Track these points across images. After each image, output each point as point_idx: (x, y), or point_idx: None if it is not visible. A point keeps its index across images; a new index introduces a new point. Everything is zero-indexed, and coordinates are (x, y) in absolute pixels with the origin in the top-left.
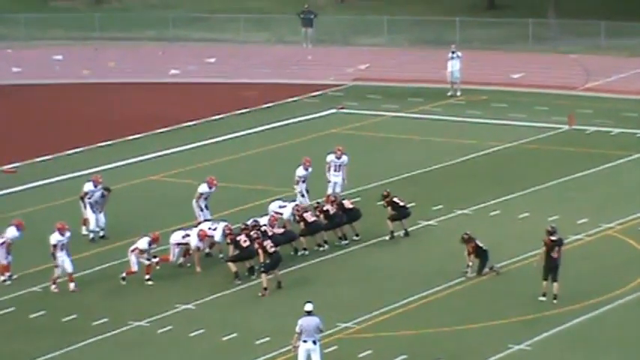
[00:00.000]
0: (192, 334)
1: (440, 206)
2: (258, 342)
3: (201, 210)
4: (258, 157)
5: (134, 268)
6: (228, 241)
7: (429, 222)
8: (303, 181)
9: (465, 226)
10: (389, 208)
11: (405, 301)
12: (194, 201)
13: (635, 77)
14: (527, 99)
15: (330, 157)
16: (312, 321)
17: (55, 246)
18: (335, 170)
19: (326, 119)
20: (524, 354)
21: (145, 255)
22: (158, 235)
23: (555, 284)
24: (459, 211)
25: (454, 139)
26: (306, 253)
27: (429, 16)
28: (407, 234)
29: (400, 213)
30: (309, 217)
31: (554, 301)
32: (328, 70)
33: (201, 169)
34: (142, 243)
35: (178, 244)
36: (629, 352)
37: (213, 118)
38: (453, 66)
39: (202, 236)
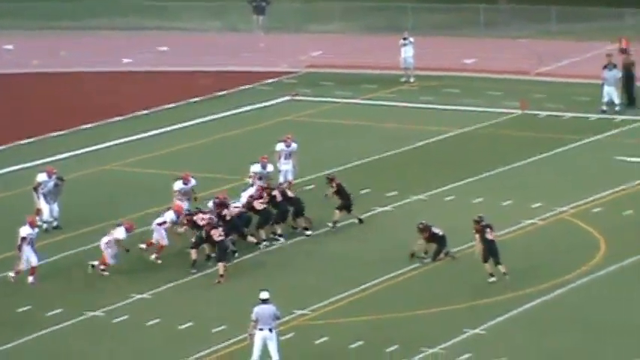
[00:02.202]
0: (148, 324)
1: (395, 192)
2: (214, 330)
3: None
4: (212, 145)
5: (109, 260)
6: (185, 221)
7: (385, 208)
8: (259, 178)
9: (420, 211)
10: (337, 196)
11: (361, 287)
12: (174, 199)
13: (586, 61)
14: (480, 84)
15: (280, 146)
16: (268, 309)
17: (24, 239)
18: (285, 158)
19: (280, 106)
20: (479, 338)
21: (122, 245)
22: (132, 224)
23: (500, 266)
24: (414, 197)
25: (408, 125)
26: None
27: (381, 3)
28: (361, 221)
29: (346, 202)
30: (258, 205)
31: (507, 277)
32: (281, 58)
33: (156, 158)
34: (120, 233)
35: (160, 224)
36: (584, 335)
37: (167, 106)
38: (406, 52)
39: (178, 211)
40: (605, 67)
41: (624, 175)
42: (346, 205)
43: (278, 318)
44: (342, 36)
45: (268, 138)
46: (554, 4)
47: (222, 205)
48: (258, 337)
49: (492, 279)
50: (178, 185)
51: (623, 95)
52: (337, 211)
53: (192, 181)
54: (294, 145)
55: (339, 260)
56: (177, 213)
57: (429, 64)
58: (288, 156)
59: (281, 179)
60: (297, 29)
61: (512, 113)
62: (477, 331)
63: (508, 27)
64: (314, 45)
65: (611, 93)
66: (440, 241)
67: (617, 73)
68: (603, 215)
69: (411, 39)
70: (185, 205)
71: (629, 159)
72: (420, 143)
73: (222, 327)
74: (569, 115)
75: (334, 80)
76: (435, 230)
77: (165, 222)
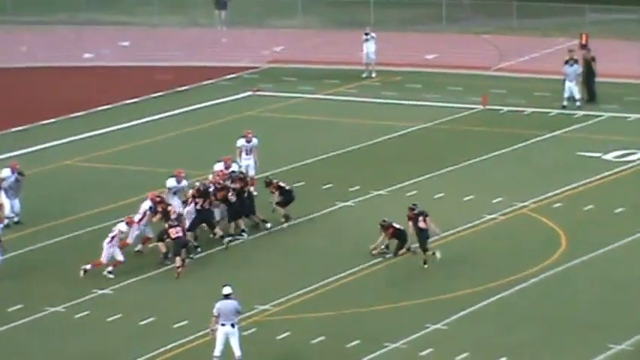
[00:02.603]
0: (110, 319)
1: (357, 187)
2: (175, 325)
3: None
4: (173, 140)
5: (120, 257)
6: (160, 209)
7: (346, 203)
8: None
9: (381, 206)
10: (276, 193)
11: (324, 282)
12: (165, 196)
13: (547, 57)
14: (442, 79)
15: (241, 142)
16: (230, 304)
17: None
18: (246, 154)
19: (241, 102)
20: (440, 333)
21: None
22: (132, 218)
23: (423, 253)
24: (376, 192)
25: (370, 120)
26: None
27: None
28: (288, 219)
29: (287, 197)
30: (231, 198)
31: (425, 266)
32: (243, 53)
33: (117, 153)
34: (122, 226)
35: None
36: (545, 330)
37: (128, 101)
38: (368, 47)
39: (153, 199)
40: (566, 62)
41: (585, 171)
42: (287, 201)
43: (240, 313)
44: (304, 31)
45: (230, 133)
46: (516, 0)
47: (204, 192)
48: (221, 332)
49: (425, 266)
50: (171, 183)
51: (584, 91)
52: (280, 208)
53: (184, 182)
54: (254, 141)
55: (301, 255)
56: (153, 202)
57: (391, 60)
58: (249, 151)
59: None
60: (259, 24)
61: (474, 108)
62: (438, 326)
63: (470, 22)
64: (276, 40)
65: (572, 88)
66: (401, 236)
67: (578, 69)
68: (564, 210)
69: (373, 34)
70: (176, 202)
71: (589, 154)
72: (382, 138)
73: (184, 322)
74: (531, 110)
75: (296, 75)
76: (397, 226)
77: (143, 217)
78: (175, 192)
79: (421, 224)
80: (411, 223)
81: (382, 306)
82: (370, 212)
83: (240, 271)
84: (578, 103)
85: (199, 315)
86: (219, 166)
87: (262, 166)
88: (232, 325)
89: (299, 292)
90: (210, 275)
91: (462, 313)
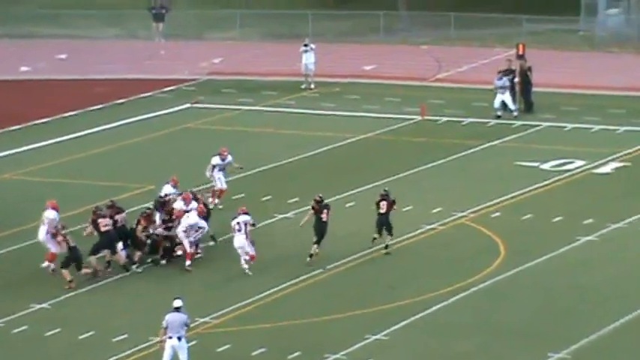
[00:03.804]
0: (48, 334)
1: (296, 199)
2: (115, 339)
3: (218, 179)
4: (112, 153)
5: (188, 248)
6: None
7: (286, 215)
8: (220, 169)
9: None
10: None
11: (264, 294)
12: (207, 172)
13: (484, 67)
14: (380, 90)
15: (215, 160)
16: (179, 317)
17: None
18: (219, 170)
19: (180, 114)
20: (381, 344)
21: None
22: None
23: (316, 246)
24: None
25: (309, 131)
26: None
27: (281, 10)
28: (214, 239)
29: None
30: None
31: (309, 260)
32: (181, 65)
33: (54, 167)
34: (179, 204)
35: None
36: (485, 338)
37: (66, 114)
38: (307, 59)
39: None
40: (499, 73)
41: (523, 180)
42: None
43: (188, 326)
44: (242, 43)
45: (169, 146)
46: (453, 11)
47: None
48: (168, 344)
49: (308, 259)
50: (215, 160)
51: (521, 100)
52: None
53: (230, 157)
54: (229, 158)
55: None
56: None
57: (330, 71)
58: (223, 169)
59: (217, 186)
60: (197, 36)
61: (412, 119)
62: (379, 336)
63: (408, 33)
64: (214, 52)
65: (505, 99)
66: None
67: (506, 82)
68: (502, 220)
69: (312, 45)
70: (222, 178)
71: (527, 164)
72: (321, 150)
73: (124, 336)
74: (469, 120)
75: (235, 87)
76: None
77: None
78: (221, 169)
79: (324, 217)
80: (311, 213)
81: (323, 317)
82: (309, 224)
83: (179, 284)
84: (514, 113)
85: (139, 328)
86: (167, 188)
87: (201, 178)
88: (179, 339)
89: (239, 305)
90: (150, 288)
91: (402, 324)
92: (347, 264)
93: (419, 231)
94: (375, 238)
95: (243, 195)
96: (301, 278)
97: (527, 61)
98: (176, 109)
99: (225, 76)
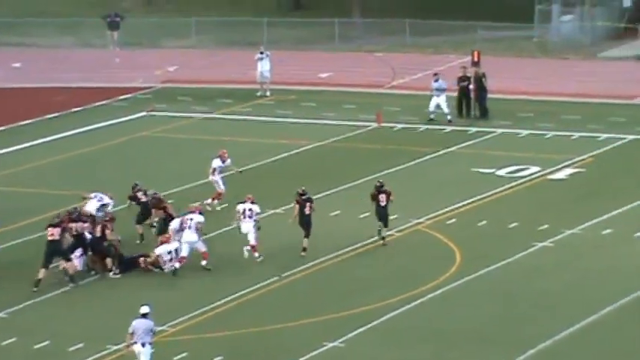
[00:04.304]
0: (3, 344)
1: None
2: (71, 349)
3: (216, 182)
4: (68, 161)
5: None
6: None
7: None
8: (219, 172)
9: (278, 225)
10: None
11: (221, 301)
12: (210, 176)
13: (439, 74)
14: (336, 98)
15: (216, 162)
16: (145, 323)
17: None
18: (219, 172)
19: (136, 122)
20: (337, 351)
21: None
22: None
23: (306, 239)
24: (272, 211)
25: (265, 139)
26: None
27: (236, 17)
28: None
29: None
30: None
31: (303, 254)
32: (137, 73)
33: (9, 176)
34: (216, 162)
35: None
36: (441, 345)
37: (21, 123)
38: (262, 66)
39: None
40: (459, 78)
41: (478, 186)
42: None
43: (154, 333)
44: (197, 50)
45: (125, 154)
46: (408, 18)
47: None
48: (135, 350)
49: (303, 253)
50: (216, 162)
51: (476, 107)
52: (139, 226)
53: (229, 161)
54: (229, 161)
55: (197, 276)
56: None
57: (285, 78)
58: (223, 171)
59: (218, 189)
60: (153, 44)
61: (368, 126)
62: (335, 343)
63: (363, 41)
64: (169, 60)
65: (440, 103)
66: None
67: (442, 84)
68: (458, 226)
69: (267, 53)
70: (221, 181)
71: (482, 170)
72: (277, 157)
73: (80, 345)
74: (424, 127)
75: (190, 95)
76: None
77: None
78: (220, 171)
79: (307, 210)
80: (297, 207)
81: (280, 324)
82: (266, 231)
83: (135, 293)
84: (448, 117)
85: (95, 337)
86: (216, 162)
87: (158, 185)
88: (143, 345)
89: (196, 313)
90: (105, 297)
91: (359, 330)
92: (304, 271)
93: (376, 237)
94: (382, 236)
95: (199, 203)
96: (258, 286)
97: (482, 68)
98: (132, 117)
99: (181, 84)
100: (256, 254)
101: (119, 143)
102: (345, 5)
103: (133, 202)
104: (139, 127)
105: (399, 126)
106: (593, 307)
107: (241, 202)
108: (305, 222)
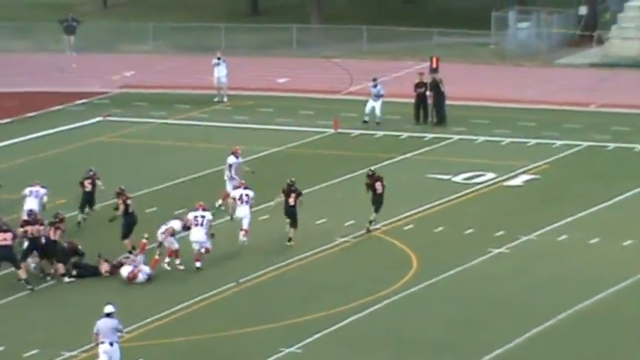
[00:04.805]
0: None
1: (211, 212)
2: (26, 354)
3: (231, 179)
4: (23, 166)
5: (175, 246)
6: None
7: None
8: (235, 171)
9: (234, 230)
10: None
11: (176, 307)
12: (227, 173)
13: (397, 80)
14: (293, 103)
15: (231, 159)
16: (110, 322)
17: None
18: (235, 171)
19: (93, 127)
20: (295, 357)
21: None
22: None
23: (293, 229)
24: (227, 217)
25: (222, 144)
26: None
27: (193, 23)
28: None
29: (130, 220)
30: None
31: (289, 243)
32: (93, 78)
33: None
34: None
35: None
36: (398, 351)
37: None
38: (219, 72)
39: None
40: (417, 86)
41: (435, 193)
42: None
43: (120, 332)
44: (154, 56)
45: (82, 159)
46: (366, 24)
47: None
48: (101, 350)
49: (289, 243)
50: (231, 159)
51: (433, 113)
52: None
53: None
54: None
55: (155, 281)
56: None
57: (243, 84)
58: (239, 167)
59: (229, 188)
60: (110, 49)
61: (325, 132)
62: (293, 349)
63: (320, 47)
64: (126, 65)
65: (376, 106)
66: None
67: (380, 90)
68: (415, 232)
69: (224, 59)
70: (230, 186)
71: (439, 176)
72: None
73: (34, 351)
74: (382, 133)
75: (147, 100)
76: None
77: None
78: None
79: (291, 200)
80: (283, 197)
81: (236, 330)
82: (222, 237)
83: (89, 298)
84: (377, 121)
85: (51, 343)
86: (231, 159)
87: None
88: (111, 344)
89: (153, 318)
90: (60, 303)
91: (315, 336)
92: (261, 277)
93: (332, 244)
94: (371, 222)
95: (155, 209)
96: (213, 292)
97: (439, 74)
98: (88, 122)
99: (138, 89)
100: (245, 239)
101: (75, 148)
102: (303, 11)
103: (80, 188)
104: (95, 132)
105: (356, 132)
106: (548, 313)
107: (237, 188)
108: (289, 213)
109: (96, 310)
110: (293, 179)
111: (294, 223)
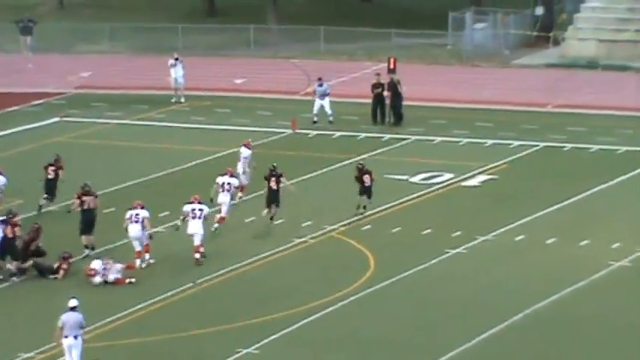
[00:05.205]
0: None
1: (166, 213)
2: None
3: (243, 173)
4: None
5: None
6: None
7: (156, 229)
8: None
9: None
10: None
11: (134, 308)
12: (240, 167)
13: (354, 81)
14: (251, 104)
15: (246, 152)
16: (74, 316)
17: None
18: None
19: (49, 128)
20: (252, 357)
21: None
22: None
23: (275, 208)
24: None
25: (179, 145)
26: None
27: (150, 23)
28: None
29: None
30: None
31: (272, 222)
32: (50, 79)
33: None
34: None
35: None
36: (355, 352)
37: None
38: (176, 72)
39: None
40: (374, 85)
41: (392, 193)
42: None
43: (83, 327)
44: (111, 56)
45: (38, 160)
46: (323, 25)
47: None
48: (65, 344)
49: (271, 222)
50: (245, 152)
51: (390, 114)
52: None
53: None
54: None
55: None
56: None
57: (200, 84)
58: (251, 160)
59: (244, 182)
60: (66, 50)
61: (283, 132)
62: (250, 350)
63: (278, 47)
64: (83, 65)
65: (324, 104)
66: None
67: (326, 89)
68: (372, 233)
69: (182, 59)
70: (243, 180)
71: (396, 177)
72: (191, 163)
73: None
74: (339, 134)
75: (104, 101)
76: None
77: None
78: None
79: (273, 185)
80: (267, 183)
81: (193, 331)
82: (179, 238)
83: (49, 299)
84: (330, 118)
85: (5, 345)
86: (244, 150)
87: (71, 191)
88: (75, 338)
89: (109, 319)
90: (17, 304)
91: (273, 337)
92: (218, 277)
93: (289, 245)
94: (365, 207)
95: (113, 209)
96: (171, 292)
97: (396, 75)
98: (45, 122)
99: (95, 89)
100: (217, 225)
101: (32, 149)
102: (261, 12)
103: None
104: (53, 132)
105: (314, 132)
106: (505, 313)
107: (222, 175)
108: (269, 196)
109: (52, 311)
110: (275, 164)
111: (269, 205)
